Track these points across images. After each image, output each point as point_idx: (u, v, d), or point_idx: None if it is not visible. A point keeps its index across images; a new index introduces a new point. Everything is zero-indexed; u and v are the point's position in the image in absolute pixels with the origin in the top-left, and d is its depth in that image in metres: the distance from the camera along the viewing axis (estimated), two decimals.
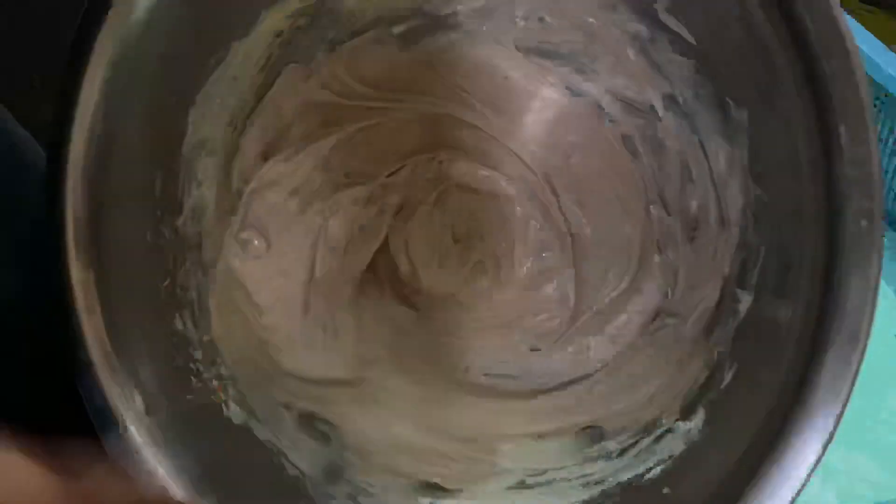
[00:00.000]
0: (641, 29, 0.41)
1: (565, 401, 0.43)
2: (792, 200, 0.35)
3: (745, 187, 0.39)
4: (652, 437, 0.38)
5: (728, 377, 0.36)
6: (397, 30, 0.44)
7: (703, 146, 0.42)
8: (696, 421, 0.36)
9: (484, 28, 0.45)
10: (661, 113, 0.43)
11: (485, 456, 0.41)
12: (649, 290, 0.43)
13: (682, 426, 0.37)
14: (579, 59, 0.44)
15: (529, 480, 0.39)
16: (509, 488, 0.39)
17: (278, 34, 0.41)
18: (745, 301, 0.37)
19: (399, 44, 0.45)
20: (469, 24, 0.45)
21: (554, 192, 0.45)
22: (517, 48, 0.45)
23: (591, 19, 0.43)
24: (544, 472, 0.40)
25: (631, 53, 0.43)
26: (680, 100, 0.42)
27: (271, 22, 0.40)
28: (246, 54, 0.40)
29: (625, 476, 0.37)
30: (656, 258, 0.43)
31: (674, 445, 0.37)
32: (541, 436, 0.42)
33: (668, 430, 0.38)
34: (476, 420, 0.42)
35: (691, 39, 0.39)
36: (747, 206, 0.39)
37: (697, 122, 0.42)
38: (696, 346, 0.40)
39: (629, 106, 0.44)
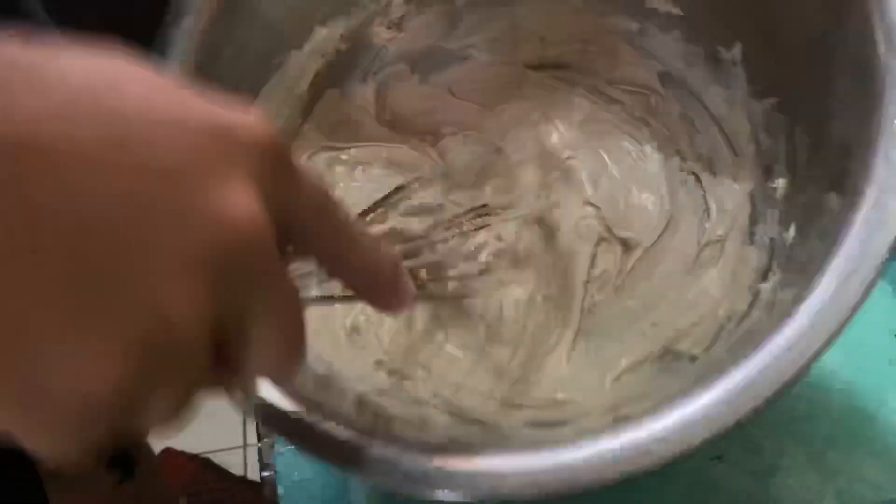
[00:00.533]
0: (631, 26, 0.49)
1: (632, 341, 0.43)
2: (811, 93, 0.40)
3: (749, 112, 0.45)
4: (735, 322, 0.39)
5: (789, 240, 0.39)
6: (416, 64, 0.51)
7: (701, 101, 0.48)
8: (774, 283, 0.38)
9: (492, 55, 0.52)
10: (658, 88, 0.50)
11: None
12: (686, 224, 0.47)
13: (764, 295, 0.38)
14: (578, 65, 0.52)
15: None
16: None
17: (324, 54, 0.47)
18: (781, 188, 0.42)
19: (419, 77, 0.52)
20: (478, 54, 0.52)
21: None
22: (525, 66, 0.53)
23: (587, 31, 0.51)
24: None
25: (623, 50, 0.51)
26: (673, 73, 0.49)
27: (320, 40, 0.47)
28: (299, 67, 0.46)
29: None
30: (683, 195, 0.48)
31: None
32: (618, 378, 0.42)
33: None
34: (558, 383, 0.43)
35: (679, 12, 0.47)
36: (755, 125, 0.45)
37: (692, 84, 0.49)
38: (744, 251, 0.43)
39: (629, 84, 0.51)
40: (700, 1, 0.46)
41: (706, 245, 0.46)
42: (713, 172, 0.48)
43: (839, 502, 0.41)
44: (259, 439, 0.44)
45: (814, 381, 0.46)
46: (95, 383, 0.19)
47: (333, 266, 0.26)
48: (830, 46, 0.38)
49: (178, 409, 0.22)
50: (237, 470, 1.08)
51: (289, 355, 0.24)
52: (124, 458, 0.62)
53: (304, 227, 0.24)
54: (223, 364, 0.22)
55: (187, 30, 0.40)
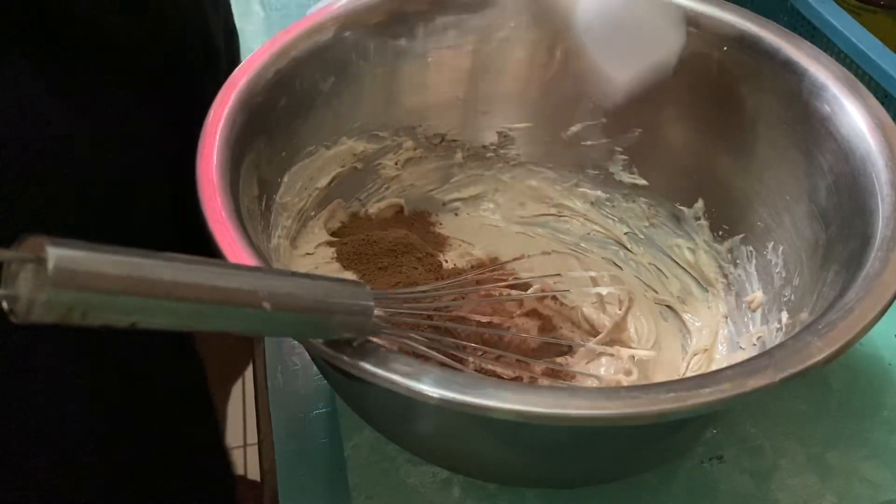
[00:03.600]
0: (599, 194, 0.57)
1: None
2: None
3: (716, 252, 0.52)
4: None
5: None
6: (407, 210, 0.58)
7: (667, 254, 0.55)
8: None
9: (477, 212, 0.60)
10: (627, 244, 0.57)
11: None
12: (671, 343, 0.51)
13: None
14: (553, 225, 0.59)
15: None
16: None
17: (343, 164, 0.53)
18: (757, 300, 0.47)
19: (408, 224, 0.57)
20: (465, 208, 0.60)
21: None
22: (509, 220, 0.60)
23: (559, 199, 0.59)
24: None
25: (593, 215, 0.58)
26: (639, 234, 0.57)
27: (344, 150, 0.52)
28: (323, 164, 0.51)
29: None
30: (661, 321, 0.53)
31: None
32: None
33: None
34: None
35: (644, 183, 0.55)
36: (722, 263, 0.51)
37: (657, 241, 0.56)
38: (732, 356, 0.47)
39: (601, 242, 0.58)
40: (663, 170, 0.54)
41: (693, 355, 0.49)
42: (686, 305, 0.52)
43: (839, 502, 0.41)
44: (259, 439, 0.44)
45: (814, 381, 0.46)
46: None
47: None
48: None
49: None
50: (237, 470, 1.08)
51: None
52: None
53: None
54: None
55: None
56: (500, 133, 0.57)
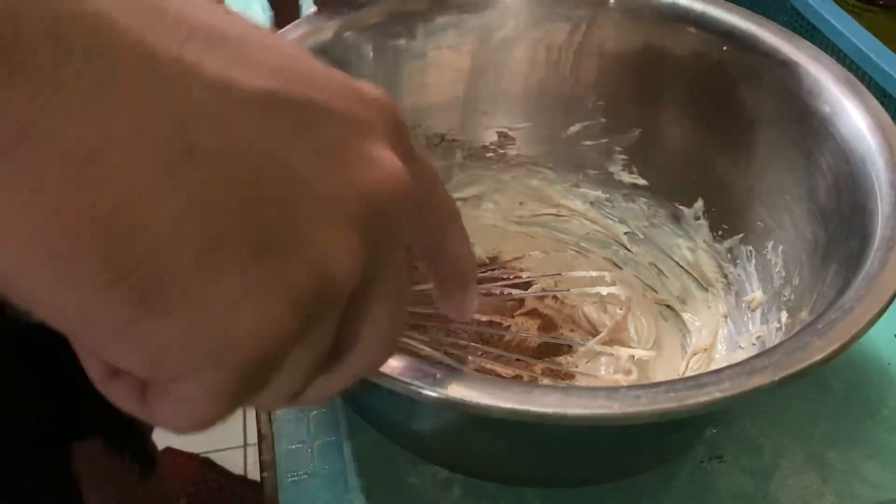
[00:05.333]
0: (599, 194, 0.57)
1: None
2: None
3: (715, 252, 0.52)
4: None
5: None
6: None
7: (666, 253, 0.55)
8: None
9: (477, 212, 0.60)
10: (627, 244, 0.57)
11: None
12: (670, 343, 0.51)
13: None
14: (553, 225, 0.59)
15: None
16: None
17: None
18: (757, 300, 0.47)
19: None
20: (464, 208, 0.59)
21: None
22: (509, 220, 0.60)
23: (559, 199, 0.59)
24: None
25: (593, 214, 0.58)
26: (639, 234, 0.57)
27: None
28: None
29: None
30: (661, 321, 0.53)
31: None
32: None
33: None
34: None
35: (644, 183, 0.55)
36: (722, 263, 0.51)
37: (657, 240, 0.56)
38: (731, 356, 0.47)
39: (601, 242, 0.58)
40: (663, 170, 0.54)
41: (693, 355, 0.49)
42: (686, 305, 0.53)
43: (839, 502, 0.41)
44: (259, 439, 0.44)
45: (814, 381, 0.46)
46: (264, 332, 0.17)
47: (428, 243, 0.25)
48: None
49: (296, 389, 0.20)
50: (237, 470, 1.02)
51: (387, 350, 0.22)
52: (145, 451, 0.63)
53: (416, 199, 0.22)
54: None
55: None
56: (500, 133, 0.57)
